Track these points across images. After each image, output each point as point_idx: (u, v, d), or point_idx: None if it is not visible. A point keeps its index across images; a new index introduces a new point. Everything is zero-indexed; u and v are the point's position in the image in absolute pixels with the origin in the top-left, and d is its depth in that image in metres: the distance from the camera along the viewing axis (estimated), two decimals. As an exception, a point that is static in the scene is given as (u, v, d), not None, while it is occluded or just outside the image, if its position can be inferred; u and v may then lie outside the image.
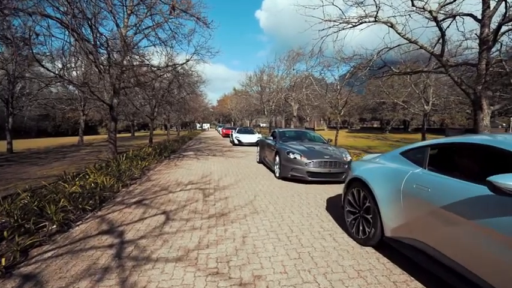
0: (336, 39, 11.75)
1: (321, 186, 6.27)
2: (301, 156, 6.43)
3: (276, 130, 9.06)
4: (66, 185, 5.56)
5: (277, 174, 7.09)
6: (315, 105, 27.69)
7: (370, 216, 2.94)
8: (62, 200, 4.68)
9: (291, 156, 6.56)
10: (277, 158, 7.21)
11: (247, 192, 5.70)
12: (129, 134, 42.80)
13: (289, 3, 11.60)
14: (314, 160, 6.29)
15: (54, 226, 3.85)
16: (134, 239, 3.35)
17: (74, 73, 20.07)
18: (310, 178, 6.26)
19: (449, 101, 25.11)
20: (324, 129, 55.80)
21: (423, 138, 24.71)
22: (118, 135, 43.32)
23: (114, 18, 7.06)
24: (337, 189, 6.05)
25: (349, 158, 6.72)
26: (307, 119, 44.85)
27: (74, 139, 26.80)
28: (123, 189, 6.13)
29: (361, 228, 3.13)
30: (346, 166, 6.46)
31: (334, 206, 4.72)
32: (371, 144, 23.29)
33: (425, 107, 24.53)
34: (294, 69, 28.59)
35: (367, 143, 25.26)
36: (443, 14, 8.46)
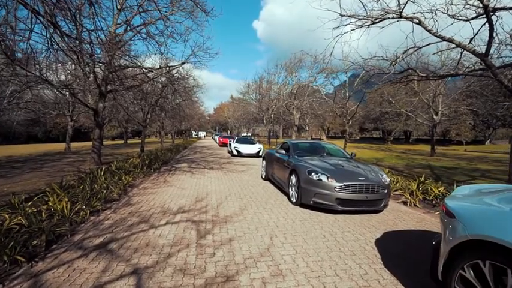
0: (349, 39, 10.41)
1: (355, 218, 4.73)
2: (328, 177, 4.85)
3: (288, 142, 7.43)
4: (7, 215, 3.98)
5: (294, 199, 5.48)
6: (318, 113, 26.36)
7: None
8: (-16, 245, 3.11)
9: (314, 177, 4.98)
10: (293, 178, 5.62)
11: (258, 229, 4.12)
12: (122, 141, 41.00)
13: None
14: (346, 183, 4.72)
15: None
16: None
17: (63, 77, 18.57)
18: (340, 207, 4.68)
19: (458, 111, 23.97)
20: (323, 139, 54.54)
21: (432, 150, 23.37)
22: (110, 143, 41.60)
23: (93, 7, 5.57)
24: (378, 222, 4.51)
25: (387, 180, 5.16)
26: (306, 128, 43.54)
27: (62, 146, 25.06)
28: (91, 218, 4.56)
29: None
30: (386, 191, 4.95)
31: (394, 257, 3.18)
32: (377, 156, 21.92)
33: (434, 117, 23.33)
34: (295, 76, 27.35)
35: (372, 154, 23.88)
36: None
